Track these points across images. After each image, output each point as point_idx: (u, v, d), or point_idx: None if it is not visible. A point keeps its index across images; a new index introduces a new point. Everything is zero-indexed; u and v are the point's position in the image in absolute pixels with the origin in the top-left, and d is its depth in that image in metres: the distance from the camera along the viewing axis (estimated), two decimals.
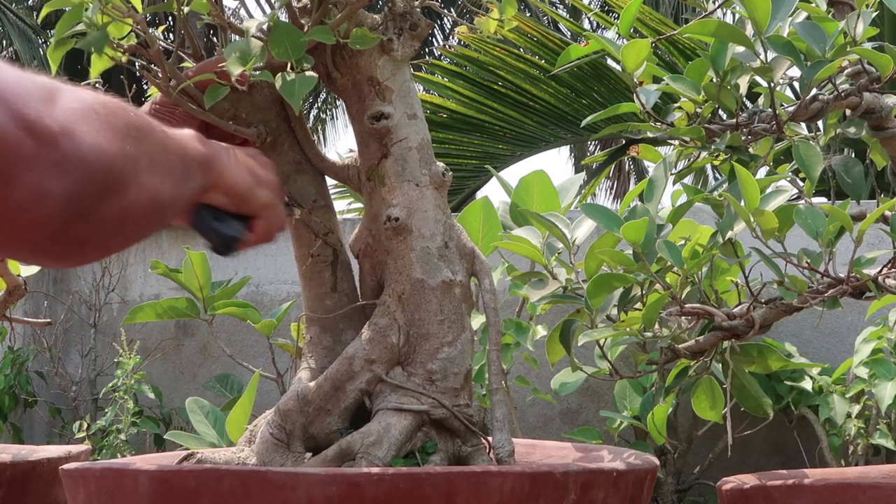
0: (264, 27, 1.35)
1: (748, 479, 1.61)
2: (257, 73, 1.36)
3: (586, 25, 11.26)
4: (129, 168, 0.84)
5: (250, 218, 1.16)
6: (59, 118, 0.77)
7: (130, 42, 1.41)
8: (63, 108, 0.78)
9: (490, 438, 1.46)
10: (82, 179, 0.78)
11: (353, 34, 1.35)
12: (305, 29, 1.37)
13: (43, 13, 1.46)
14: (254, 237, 1.17)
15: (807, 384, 3.64)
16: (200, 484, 1.23)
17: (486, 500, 1.21)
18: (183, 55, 1.47)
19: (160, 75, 1.39)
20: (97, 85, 1.41)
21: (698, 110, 1.57)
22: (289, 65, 1.34)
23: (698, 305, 1.53)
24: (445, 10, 1.59)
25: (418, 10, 1.49)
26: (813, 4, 1.55)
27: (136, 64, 1.44)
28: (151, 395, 4.17)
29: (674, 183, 1.64)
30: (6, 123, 0.73)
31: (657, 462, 1.48)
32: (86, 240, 0.82)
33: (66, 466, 1.40)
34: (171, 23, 1.46)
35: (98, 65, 1.44)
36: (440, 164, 1.48)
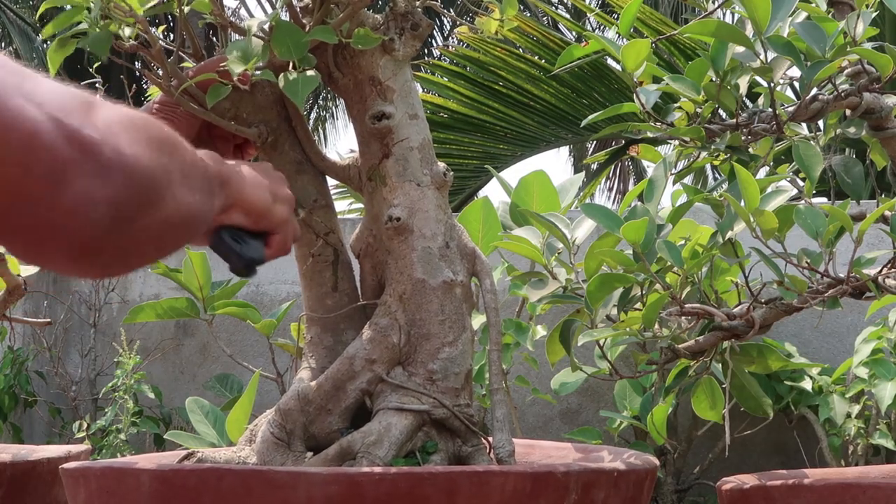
0: (266, 27, 1.35)
1: (748, 479, 1.61)
2: (258, 72, 1.36)
3: (586, 25, 11.27)
4: (165, 179, 0.86)
5: (267, 233, 1.17)
6: (100, 127, 0.79)
7: (132, 41, 1.40)
8: (102, 119, 0.80)
9: (490, 438, 1.46)
10: (125, 186, 0.80)
11: (356, 34, 1.35)
12: (307, 29, 1.37)
13: (40, 11, 1.45)
14: (271, 252, 1.18)
15: (807, 384, 3.64)
16: (201, 483, 1.23)
17: (488, 500, 1.21)
18: (183, 55, 1.47)
19: (161, 75, 1.38)
20: (97, 85, 1.41)
21: (698, 110, 1.57)
22: (291, 64, 1.34)
23: (698, 305, 1.53)
24: (445, 10, 1.59)
25: (419, 10, 1.48)
26: (813, 4, 1.55)
27: (138, 63, 1.44)
28: (151, 395, 4.17)
29: (673, 183, 1.64)
30: (51, 131, 0.75)
31: (657, 462, 1.47)
32: (125, 248, 0.84)
33: (66, 466, 1.40)
34: (172, 23, 1.45)
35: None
36: (441, 164, 1.48)
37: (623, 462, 1.40)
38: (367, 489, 1.19)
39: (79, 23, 1.34)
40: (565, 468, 1.28)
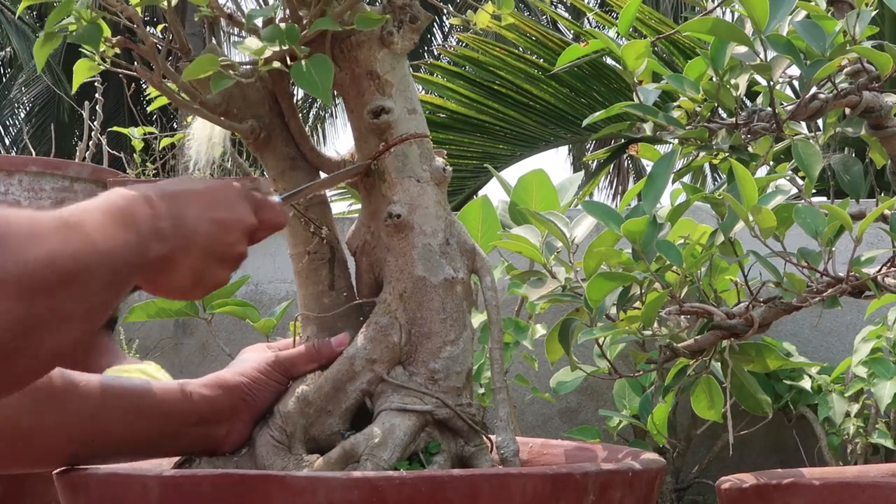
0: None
1: (747, 479, 1.60)
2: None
3: (585, 25, 11.29)
4: (11, 338, 0.84)
5: None
6: None
7: (118, 37, 1.38)
8: None
9: (492, 437, 1.46)
10: None
11: (358, 17, 1.33)
12: (305, 21, 1.36)
13: (21, 6, 1.42)
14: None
15: (806, 383, 3.65)
16: (216, 489, 1.18)
17: (509, 502, 1.21)
18: (173, 50, 1.45)
19: (154, 70, 1.37)
20: (96, 84, 1.40)
21: (697, 109, 1.58)
22: (288, 58, 1.31)
23: (697, 304, 1.53)
24: (443, 4, 1.58)
25: (417, 1, 1.47)
26: (812, 3, 1.55)
27: (135, 63, 1.43)
28: None
29: (672, 182, 1.64)
30: None
31: (664, 461, 1.48)
32: None
33: (60, 472, 1.32)
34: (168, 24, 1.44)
35: (80, 74, 1.41)
36: (440, 160, 1.47)
37: (637, 462, 1.41)
38: (388, 494, 1.18)
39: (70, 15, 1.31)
40: (582, 469, 1.28)
